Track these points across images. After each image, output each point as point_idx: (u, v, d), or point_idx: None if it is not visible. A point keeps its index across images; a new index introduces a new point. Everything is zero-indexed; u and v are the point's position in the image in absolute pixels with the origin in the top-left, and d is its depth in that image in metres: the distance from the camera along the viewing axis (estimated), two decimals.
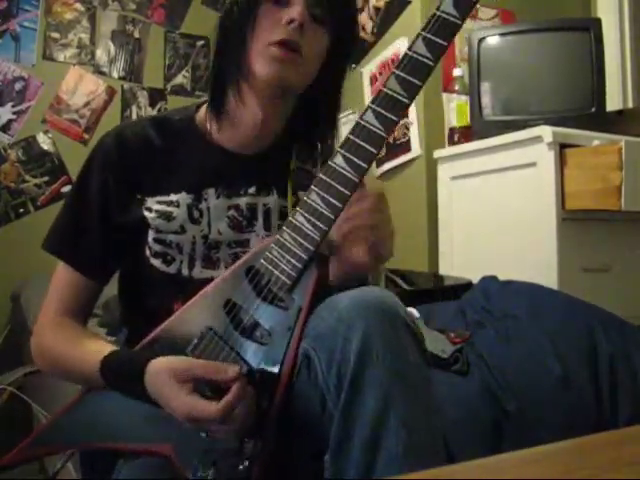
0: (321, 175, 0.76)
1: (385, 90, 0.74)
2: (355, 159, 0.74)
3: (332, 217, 0.74)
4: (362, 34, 2.50)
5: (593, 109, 1.89)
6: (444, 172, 2.12)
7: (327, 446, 0.68)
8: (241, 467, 0.72)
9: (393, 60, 2.32)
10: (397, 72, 0.73)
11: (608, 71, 1.97)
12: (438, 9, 0.72)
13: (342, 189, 0.74)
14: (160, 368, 0.74)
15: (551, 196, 1.71)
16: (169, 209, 0.88)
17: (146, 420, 0.80)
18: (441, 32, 0.71)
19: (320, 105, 0.92)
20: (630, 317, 1.38)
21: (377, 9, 2.42)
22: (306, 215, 0.76)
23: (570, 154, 1.71)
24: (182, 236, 0.88)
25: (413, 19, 2.24)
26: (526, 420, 1.11)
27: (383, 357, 0.66)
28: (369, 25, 2.46)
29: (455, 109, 2.12)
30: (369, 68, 2.46)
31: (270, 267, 0.77)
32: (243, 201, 0.91)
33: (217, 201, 0.90)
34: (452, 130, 2.13)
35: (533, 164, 1.78)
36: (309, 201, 0.76)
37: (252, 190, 0.92)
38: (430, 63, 0.72)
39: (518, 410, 1.11)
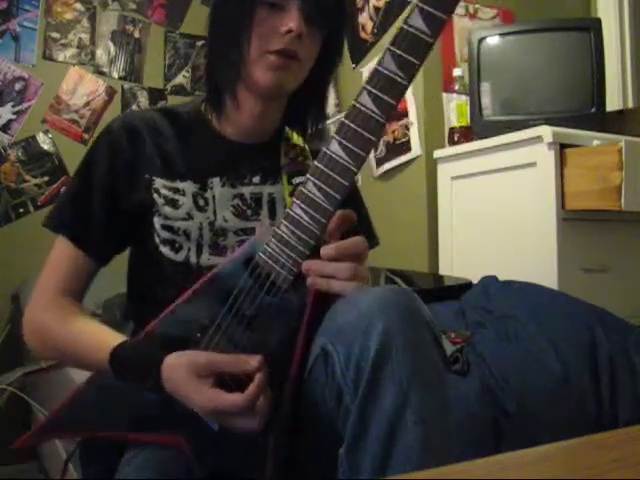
0: (317, 163, 0.72)
1: (380, 69, 0.69)
2: (353, 147, 0.70)
3: (331, 209, 0.72)
4: (362, 34, 2.50)
5: (593, 109, 1.89)
6: (444, 172, 2.12)
7: (341, 440, 0.69)
8: (251, 460, 0.72)
9: None
10: (392, 49, 0.68)
11: (608, 71, 1.97)
12: None
13: (340, 179, 0.71)
14: (178, 363, 0.74)
15: (551, 196, 1.71)
16: (175, 197, 0.89)
17: (158, 410, 0.80)
18: (439, 6, 0.66)
19: (312, 92, 0.93)
20: (630, 317, 1.38)
21: (377, 9, 2.42)
22: (304, 206, 0.73)
23: (570, 154, 1.71)
24: (189, 222, 0.88)
25: None
26: (526, 420, 1.11)
27: (403, 353, 0.66)
28: (369, 25, 2.46)
29: (455, 109, 2.12)
30: (369, 68, 2.46)
31: (270, 262, 0.76)
32: (247, 190, 0.92)
33: (222, 189, 0.91)
34: (452, 130, 2.13)
35: (533, 164, 1.78)
36: (306, 191, 0.73)
37: (256, 179, 0.93)
38: (429, 40, 0.66)
39: (518, 410, 1.11)
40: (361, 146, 0.70)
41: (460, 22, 2.27)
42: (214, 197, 0.90)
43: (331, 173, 0.71)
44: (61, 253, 0.90)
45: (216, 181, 0.91)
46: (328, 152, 0.72)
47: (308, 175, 0.73)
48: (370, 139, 0.69)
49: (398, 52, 0.67)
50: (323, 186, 0.72)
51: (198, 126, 0.95)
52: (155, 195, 0.88)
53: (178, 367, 0.74)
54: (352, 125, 0.70)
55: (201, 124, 0.95)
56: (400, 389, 0.65)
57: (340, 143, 0.71)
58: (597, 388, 1.18)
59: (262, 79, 0.85)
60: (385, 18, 2.38)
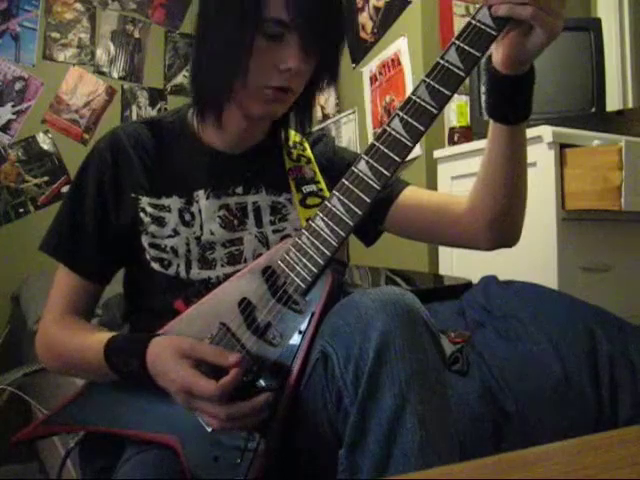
0: (343, 180, 0.76)
1: (414, 98, 0.74)
2: (378, 167, 0.74)
3: (351, 224, 0.75)
4: (362, 34, 2.50)
5: (593, 109, 1.89)
6: (444, 172, 2.12)
7: (341, 441, 0.69)
8: (241, 463, 0.72)
9: (393, 60, 2.33)
10: (428, 80, 0.73)
11: (608, 71, 1.97)
12: (474, 18, 0.73)
13: (363, 196, 0.74)
14: (164, 345, 0.76)
15: (551, 196, 1.71)
16: (161, 214, 0.89)
17: (154, 410, 0.81)
18: (475, 42, 0.72)
19: (303, 100, 0.93)
20: (630, 317, 1.38)
21: (377, 9, 2.42)
22: (325, 219, 0.76)
23: (570, 154, 1.71)
24: (176, 239, 0.88)
25: (413, 19, 2.24)
26: (526, 420, 1.11)
27: (402, 354, 0.66)
28: (369, 25, 2.46)
29: (455, 109, 2.12)
30: (369, 68, 2.46)
31: (287, 269, 0.78)
32: (232, 201, 0.92)
33: (207, 202, 0.91)
34: (452, 130, 2.13)
35: (533, 164, 1.77)
36: (329, 205, 0.77)
37: (239, 190, 0.93)
38: (461, 74, 0.72)
39: (518, 410, 1.11)
40: (387, 166, 0.74)
41: (460, 22, 2.27)
42: (200, 210, 0.90)
43: (355, 190, 0.75)
44: (61, 276, 0.92)
45: (201, 193, 0.91)
46: (355, 170, 0.76)
47: (334, 191, 0.77)
48: (396, 160, 0.73)
49: (432, 84, 0.73)
50: (346, 201, 0.75)
51: (183, 137, 0.94)
52: (142, 214, 0.89)
53: (163, 348, 0.75)
54: (381, 147, 0.74)
55: (185, 135, 0.95)
56: (399, 389, 0.65)
57: (367, 162, 0.75)
58: (597, 388, 1.18)
59: (256, 111, 0.86)
60: (385, 18, 2.38)
